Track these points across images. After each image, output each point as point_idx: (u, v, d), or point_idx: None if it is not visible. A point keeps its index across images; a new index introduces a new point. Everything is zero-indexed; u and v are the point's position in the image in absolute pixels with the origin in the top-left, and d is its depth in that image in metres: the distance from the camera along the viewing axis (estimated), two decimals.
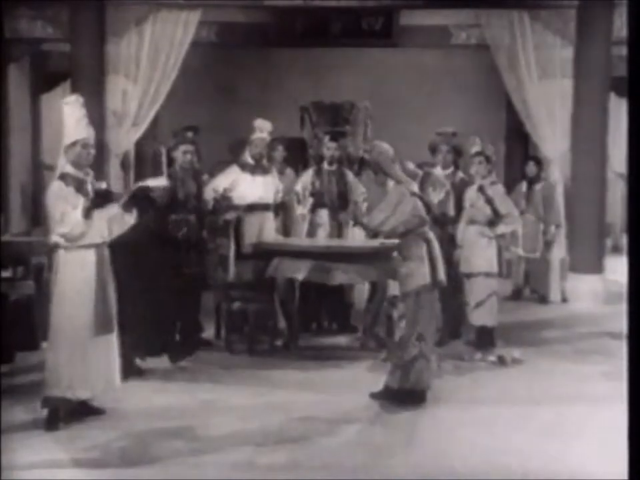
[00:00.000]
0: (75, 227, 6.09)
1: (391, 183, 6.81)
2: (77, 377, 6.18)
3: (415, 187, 6.91)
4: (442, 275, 6.81)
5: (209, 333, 8.80)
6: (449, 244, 8.43)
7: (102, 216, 6.17)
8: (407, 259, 6.74)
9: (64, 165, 6.22)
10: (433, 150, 9.33)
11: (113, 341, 6.33)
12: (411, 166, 10.18)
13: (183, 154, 8.60)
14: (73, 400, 6.24)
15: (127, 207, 6.21)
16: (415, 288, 6.69)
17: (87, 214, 6.10)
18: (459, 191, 8.97)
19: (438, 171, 9.12)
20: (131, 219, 6.27)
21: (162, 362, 7.94)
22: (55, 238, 6.16)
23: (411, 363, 6.70)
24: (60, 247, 6.16)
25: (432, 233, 6.84)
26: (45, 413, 6.22)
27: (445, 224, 8.67)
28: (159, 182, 6.92)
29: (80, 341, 6.15)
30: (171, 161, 8.84)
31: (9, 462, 5.40)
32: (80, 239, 6.13)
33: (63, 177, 6.19)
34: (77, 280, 6.15)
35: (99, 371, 6.26)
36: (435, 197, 9.09)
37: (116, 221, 6.22)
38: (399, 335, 6.81)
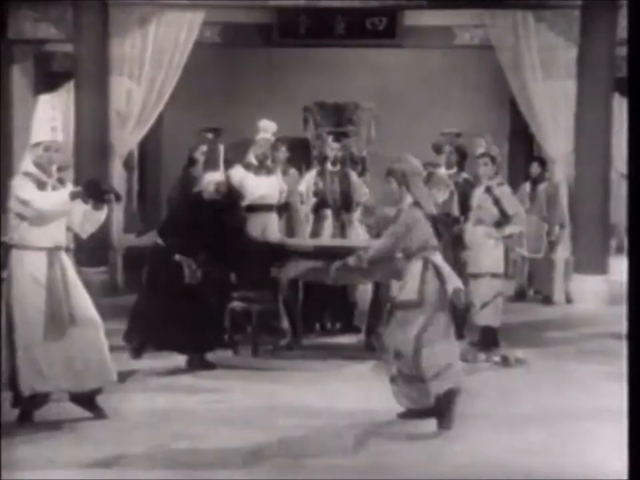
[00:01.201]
0: (55, 204, 5.97)
1: (407, 202, 6.39)
2: (34, 375, 6.09)
3: (433, 207, 6.61)
4: (435, 295, 6.31)
5: None
6: (455, 244, 8.42)
7: (81, 207, 6.08)
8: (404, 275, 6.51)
9: (27, 164, 6.11)
10: (437, 150, 9.33)
11: (88, 338, 6.21)
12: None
13: (203, 154, 8.64)
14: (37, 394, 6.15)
15: (86, 201, 6.03)
16: (403, 301, 6.35)
17: (73, 197, 5.99)
18: (463, 191, 8.96)
19: (441, 171, 9.11)
20: (101, 215, 6.17)
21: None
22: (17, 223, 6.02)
23: (392, 382, 6.45)
24: (14, 246, 6.06)
25: (439, 257, 6.41)
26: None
27: (450, 225, 8.68)
28: (215, 176, 7.55)
29: (31, 343, 6.07)
30: (191, 162, 8.87)
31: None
32: (48, 221, 6.02)
33: (26, 174, 6.07)
34: (26, 282, 6.06)
35: (74, 368, 6.18)
36: (439, 197, 9.09)
37: (89, 216, 6.15)
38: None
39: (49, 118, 6.17)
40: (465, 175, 9.36)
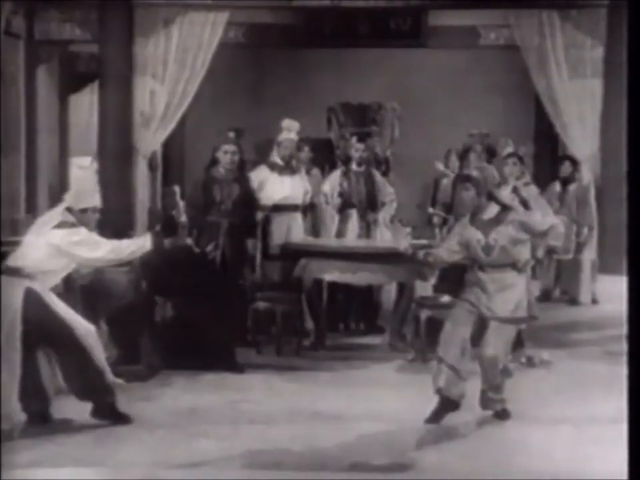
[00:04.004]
0: (133, 252, 6.39)
1: (493, 210, 6.33)
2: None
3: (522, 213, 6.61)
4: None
5: None
6: None
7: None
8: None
9: (79, 230, 6.25)
10: (466, 151, 9.32)
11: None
12: (440, 167, 10.15)
13: (224, 154, 8.64)
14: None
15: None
16: (511, 319, 6.35)
17: (156, 237, 6.45)
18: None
19: (472, 173, 9.09)
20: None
21: None
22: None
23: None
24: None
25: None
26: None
27: None
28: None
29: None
30: (214, 161, 8.88)
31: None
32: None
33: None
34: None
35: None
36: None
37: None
38: None
39: (95, 182, 6.53)
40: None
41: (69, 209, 6.28)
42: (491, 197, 6.40)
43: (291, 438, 6.04)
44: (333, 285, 8.62)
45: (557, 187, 11.22)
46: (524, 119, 13.58)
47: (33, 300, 6.05)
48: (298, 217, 9.27)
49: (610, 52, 10.92)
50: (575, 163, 11.37)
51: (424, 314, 8.20)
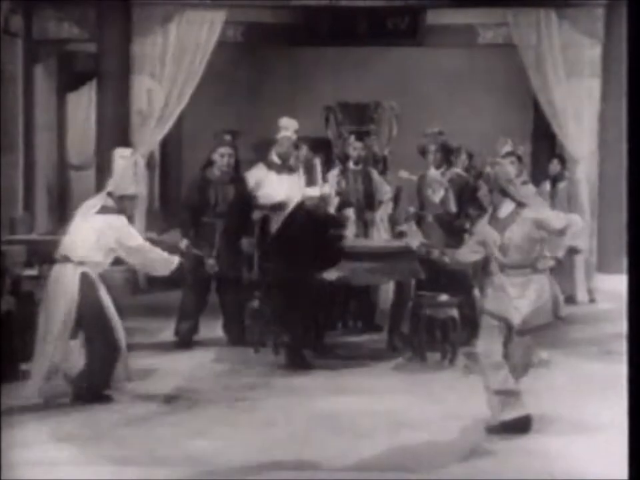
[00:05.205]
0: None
1: (509, 207, 6.16)
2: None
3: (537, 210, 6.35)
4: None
5: None
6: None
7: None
8: None
9: (118, 218, 6.69)
10: (422, 152, 9.39)
11: None
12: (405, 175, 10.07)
13: (221, 156, 8.69)
14: None
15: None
16: (535, 326, 6.20)
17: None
18: (457, 187, 9.04)
19: (432, 172, 9.20)
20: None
21: None
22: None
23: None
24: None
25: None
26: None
27: (451, 221, 8.70)
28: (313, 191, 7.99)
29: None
30: (209, 163, 8.91)
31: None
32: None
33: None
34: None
35: None
36: (436, 197, 9.13)
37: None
38: None
39: (134, 172, 7.15)
40: (456, 170, 9.41)
41: (110, 194, 6.70)
42: (505, 194, 6.18)
43: (290, 435, 6.06)
44: (331, 284, 8.61)
45: (547, 185, 11.24)
46: (522, 117, 13.56)
47: (87, 284, 6.56)
48: None
49: (607, 51, 10.91)
50: (563, 161, 11.37)
51: (422, 312, 8.22)
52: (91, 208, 6.69)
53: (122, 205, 6.70)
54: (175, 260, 6.79)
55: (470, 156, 10.93)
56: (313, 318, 8.09)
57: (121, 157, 6.91)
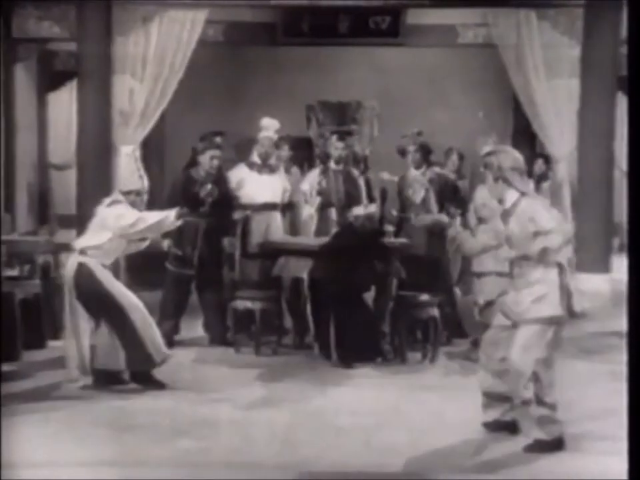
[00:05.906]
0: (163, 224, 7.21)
1: (513, 197, 5.97)
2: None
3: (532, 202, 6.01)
4: None
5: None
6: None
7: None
8: None
9: (124, 208, 7.13)
10: (402, 153, 9.42)
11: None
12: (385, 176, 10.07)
13: (210, 159, 8.71)
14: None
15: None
16: (541, 318, 5.85)
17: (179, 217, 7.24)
18: (438, 186, 9.09)
19: (412, 172, 9.24)
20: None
21: None
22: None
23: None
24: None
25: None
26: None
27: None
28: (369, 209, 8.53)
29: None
30: (193, 163, 8.92)
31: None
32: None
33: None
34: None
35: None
36: (417, 197, 9.18)
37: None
38: None
39: (137, 168, 7.51)
40: (436, 169, 9.46)
41: (120, 191, 7.25)
42: (510, 183, 5.98)
43: (271, 435, 6.07)
44: (314, 283, 8.62)
45: (531, 184, 11.26)
46: (503, 117, 13.61)
47: (84, 274, 7.00)
48: (277, 215, 9.29)
49: (587, 51, 10.95)
50: (548, 161, 11.42)
51: (403, 312, 8.24)
52: (105, 204, 7.18)
53: (130, 200, 7.14)
54: (171, 213, 7.17)
55: (461, 157, 10.99)
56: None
57: (125, 155, 7.32)
